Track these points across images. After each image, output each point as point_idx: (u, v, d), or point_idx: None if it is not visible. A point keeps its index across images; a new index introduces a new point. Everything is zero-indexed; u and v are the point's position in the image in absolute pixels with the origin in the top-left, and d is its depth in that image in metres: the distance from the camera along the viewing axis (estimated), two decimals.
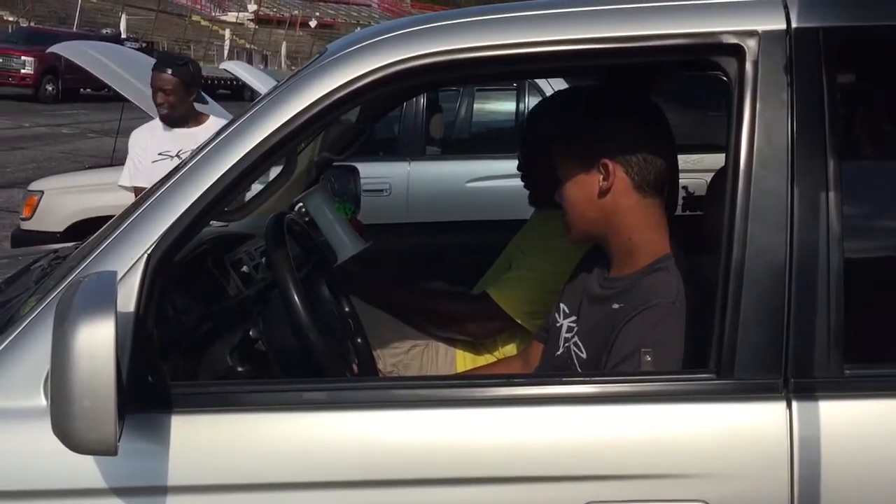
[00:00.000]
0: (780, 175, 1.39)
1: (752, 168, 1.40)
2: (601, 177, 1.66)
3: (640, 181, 1.66)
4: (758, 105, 1.41)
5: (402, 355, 2.37)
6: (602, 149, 1.66)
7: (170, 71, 4.06)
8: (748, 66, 1.42)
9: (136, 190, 4.04)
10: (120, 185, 4.26)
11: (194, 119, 4.21)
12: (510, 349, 2.33)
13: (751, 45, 1.42)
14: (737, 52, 1.43)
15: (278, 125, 1.44)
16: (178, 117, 4.14)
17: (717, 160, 2.37)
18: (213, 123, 4.11)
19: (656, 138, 1.69)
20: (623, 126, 1.68)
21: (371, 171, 3.34)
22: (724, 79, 1.46)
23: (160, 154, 4.09)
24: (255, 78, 6.83)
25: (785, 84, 1.41)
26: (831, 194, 1.38)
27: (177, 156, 4.05)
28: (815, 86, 1.41)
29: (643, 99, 1.87)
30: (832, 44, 1.42)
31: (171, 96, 4.07)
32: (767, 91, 1.41)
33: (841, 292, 1.37)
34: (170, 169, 4.33)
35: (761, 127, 1.41)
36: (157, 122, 4.20)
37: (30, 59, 19.20)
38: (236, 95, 17.94)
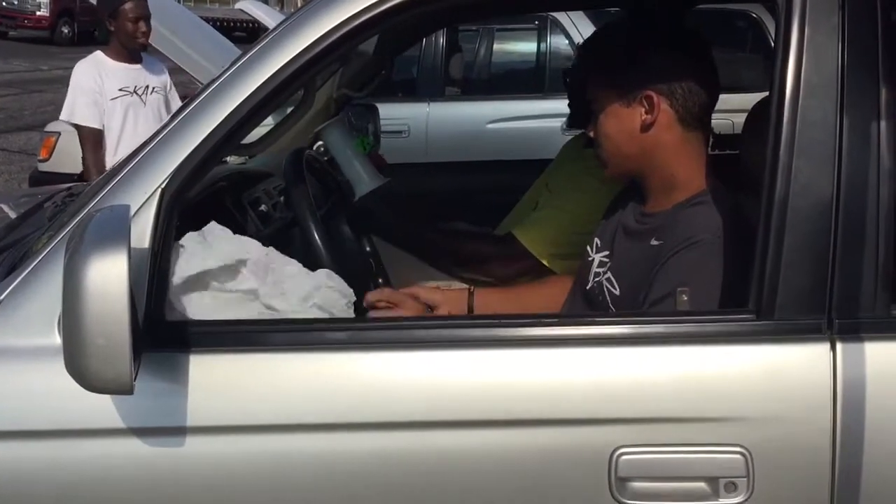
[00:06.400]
0: (828, 105, 1.31)
1: (798, 98, 1.32)
2: (643, 110, 1.59)
3: (683, 114, 1.59)
4: (806, 30, 1.33)
5: None
6: (646, 81, 1.58)
7: None
8: None
9: (78, 127, 3.91)
10: (62, 119, 4.07)
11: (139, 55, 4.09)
12: None
13: None
14: None
15: (298, 51, 1.37)
16: None
17: (743, 100, 2.31)
18: (146, 61, 4.05)
19: (700, 68, 1.62)
20: (667, 57, 1.60)
21: (389, 113, 3.26)
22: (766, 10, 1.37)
23: (121, 91, 3.95)
24: (272, 19, 6.69)
25: (836, 7, 1.33)
26: (883, 125, 1.30)
27: (134, 92, 3.97)
28: (868, 8, 1.32)
29: (686, 29, 1.78)
30: None
31: (148, 24, 3.92)
32: (817, 15, 1.33)
33: (890, 230, 1.30)
34: (129, 106, 4.02)
35: (810, 53, 1.32)
36: (100, 57, 4.02)
37: (45, 0, 19.02)
38: (252, 38, 17.76)
